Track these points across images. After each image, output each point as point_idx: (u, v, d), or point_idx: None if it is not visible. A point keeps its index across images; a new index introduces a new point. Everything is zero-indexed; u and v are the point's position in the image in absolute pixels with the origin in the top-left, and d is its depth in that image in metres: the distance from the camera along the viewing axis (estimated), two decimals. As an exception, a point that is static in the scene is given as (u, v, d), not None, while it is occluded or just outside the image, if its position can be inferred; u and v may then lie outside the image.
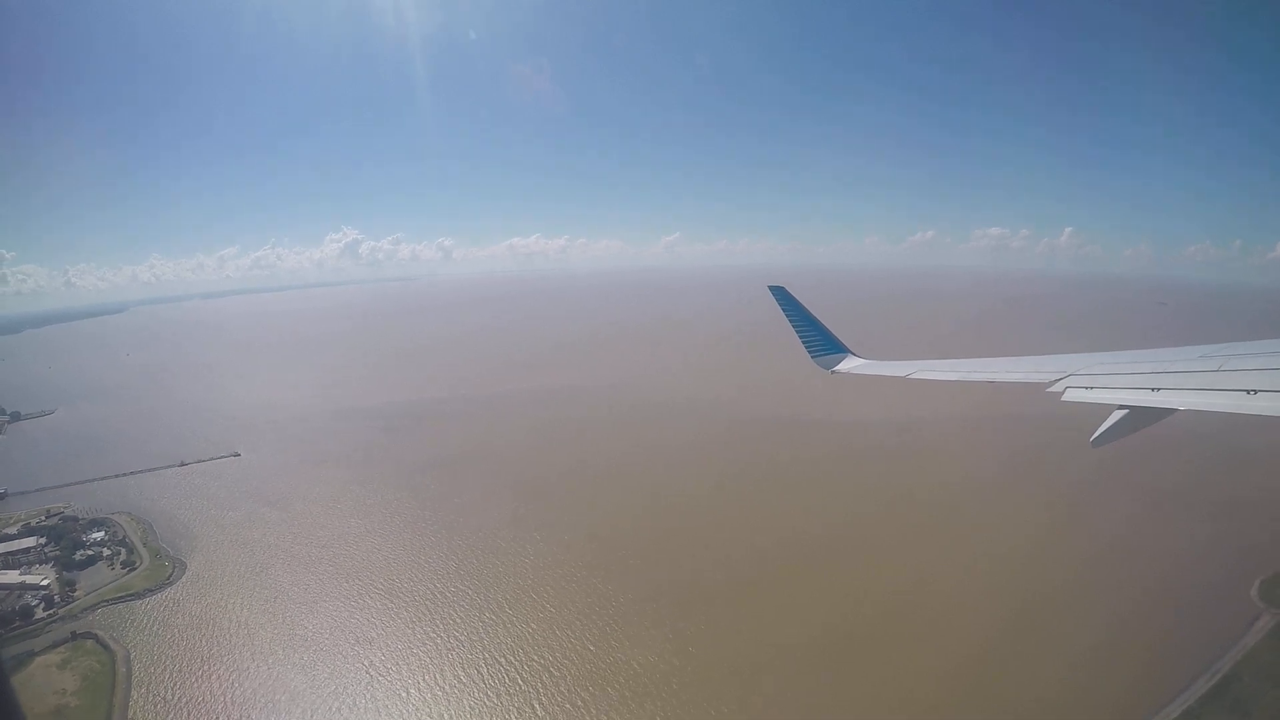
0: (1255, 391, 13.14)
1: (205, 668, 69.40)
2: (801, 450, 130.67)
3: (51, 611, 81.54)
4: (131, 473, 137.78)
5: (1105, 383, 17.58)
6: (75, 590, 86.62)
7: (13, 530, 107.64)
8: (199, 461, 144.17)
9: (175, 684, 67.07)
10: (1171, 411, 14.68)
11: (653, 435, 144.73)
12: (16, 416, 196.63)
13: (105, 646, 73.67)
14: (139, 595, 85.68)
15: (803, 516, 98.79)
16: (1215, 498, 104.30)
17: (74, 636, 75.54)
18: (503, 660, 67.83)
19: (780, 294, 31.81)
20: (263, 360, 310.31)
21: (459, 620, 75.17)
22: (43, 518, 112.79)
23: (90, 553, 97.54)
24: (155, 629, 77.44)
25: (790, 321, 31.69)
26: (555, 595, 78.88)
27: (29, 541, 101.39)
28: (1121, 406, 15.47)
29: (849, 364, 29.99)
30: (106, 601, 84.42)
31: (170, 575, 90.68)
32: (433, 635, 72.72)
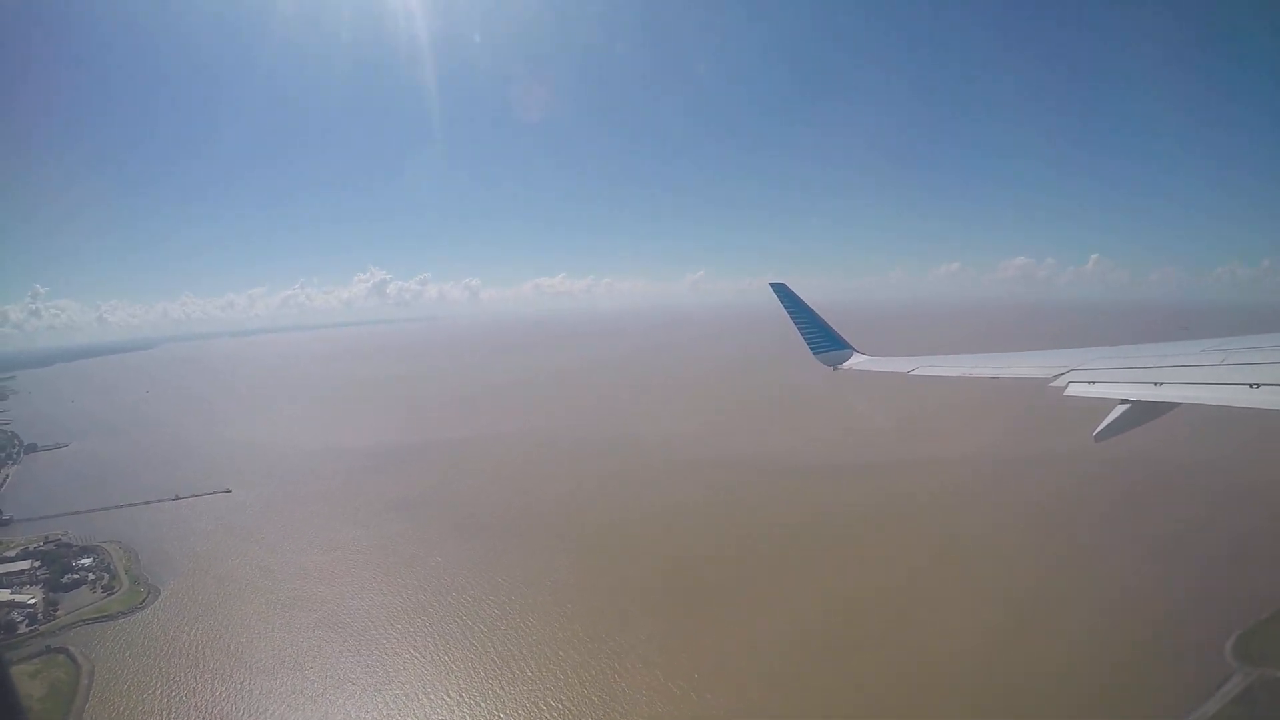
0: (1257, 385, 13.40)
1: (156, 686, 78.13)
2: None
3: (33, 627, 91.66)
4: (128, 505, 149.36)
5: (1107, 377, 17.80)
6: (57, 610, 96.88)
7: (12, 553, 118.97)
8: (192, 496, 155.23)
9: (128, 698, 75.98)
10: (1174, 406, 15.08)
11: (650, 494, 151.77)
12: (32, 448, 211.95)
13: (74, 661, 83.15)
14: (112, 617, 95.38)
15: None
16: (1203, 538, 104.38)
17: (48, 650, 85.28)
18: (423, 696, 75.60)
19: (781, 291, 32.60)
20: (274, 399, 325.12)
21: (396, 653, 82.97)
22: (40, 543, 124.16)
23: (77, 576, 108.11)
24: (120, 648, 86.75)
25: (792, 318, 32.39)
26: (495, 637, 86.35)
27: (24, 564, 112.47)
28: (1124, 401, 15.71)
29: (851, 361, 30.85)
30: (84, 621, 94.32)
31: (144, 600, 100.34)
32: (368, 666, 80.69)
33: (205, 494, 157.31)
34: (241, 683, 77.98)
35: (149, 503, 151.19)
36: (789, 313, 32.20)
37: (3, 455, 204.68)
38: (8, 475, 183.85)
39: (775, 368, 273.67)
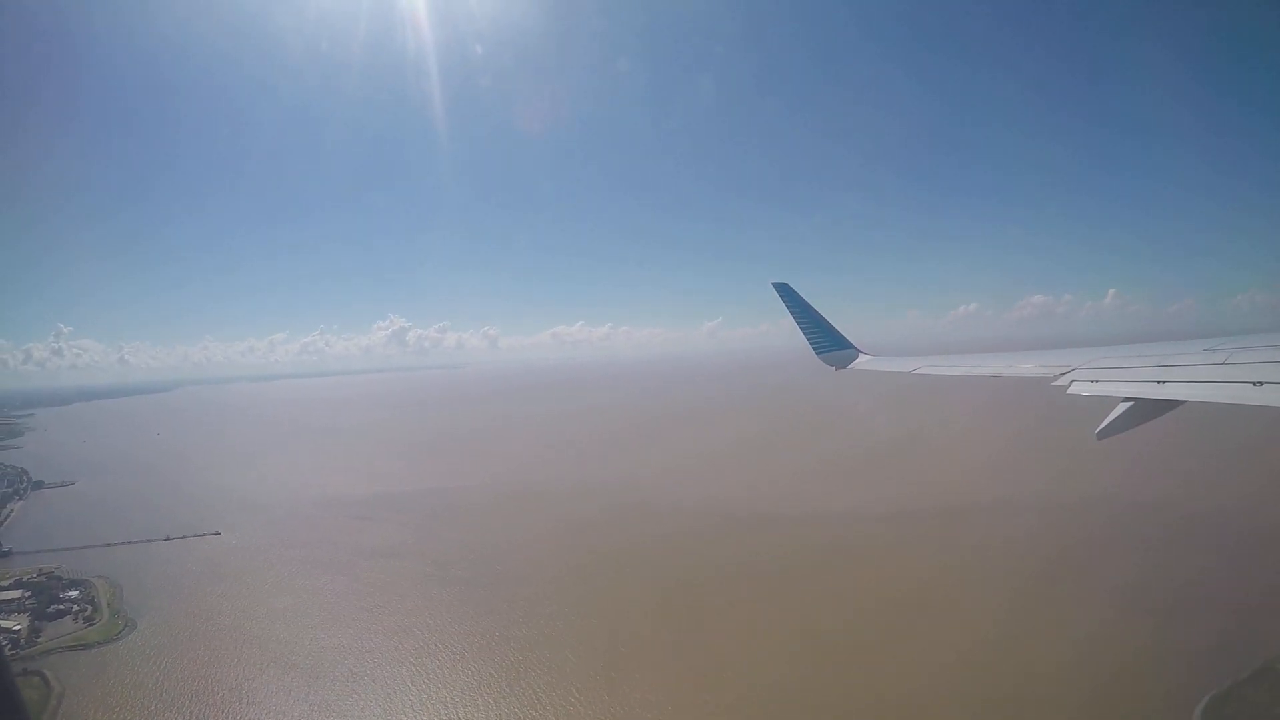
0: (1261, 384, 13.53)
1: (119, 710, 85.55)
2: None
3: (15, 651, 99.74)
4: (121, 543, 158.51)
5: (1110, 376, 18.04)
6: (40, 636, 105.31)
7: (6, 583, 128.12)
8: (183, 537, 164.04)
9: None
10: (1177, 404, 15.24)
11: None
12: (40, 485, 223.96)
13: (48, 684, 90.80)
14: (89, 646, 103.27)
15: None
16: (1183, 590, 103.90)
17: (24, 673, 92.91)
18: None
19: (784, 290, 32.88)
20: (279, 445, 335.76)
21: (341, 693, 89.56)
22: (34, 575, 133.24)
23: (62, 607, 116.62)
24: (92, 675, 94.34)
25: (795, 319, 32.71)
26: (438, 684, 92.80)
27: (15, 593, 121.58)
28: (1127, 399, 15.93)
29: (855, 361, 31.35)
30: (63, 648, 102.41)
31: (120, 632, 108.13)
32: (312, 703, 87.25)
33: (196, 535, 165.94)
34: (194, 712, 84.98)
35: (141, 542, 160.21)
36: (792, 313, 32.58)
37: (10, 490, 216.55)
38: (12, 510, 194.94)
39: (751, 415, 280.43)
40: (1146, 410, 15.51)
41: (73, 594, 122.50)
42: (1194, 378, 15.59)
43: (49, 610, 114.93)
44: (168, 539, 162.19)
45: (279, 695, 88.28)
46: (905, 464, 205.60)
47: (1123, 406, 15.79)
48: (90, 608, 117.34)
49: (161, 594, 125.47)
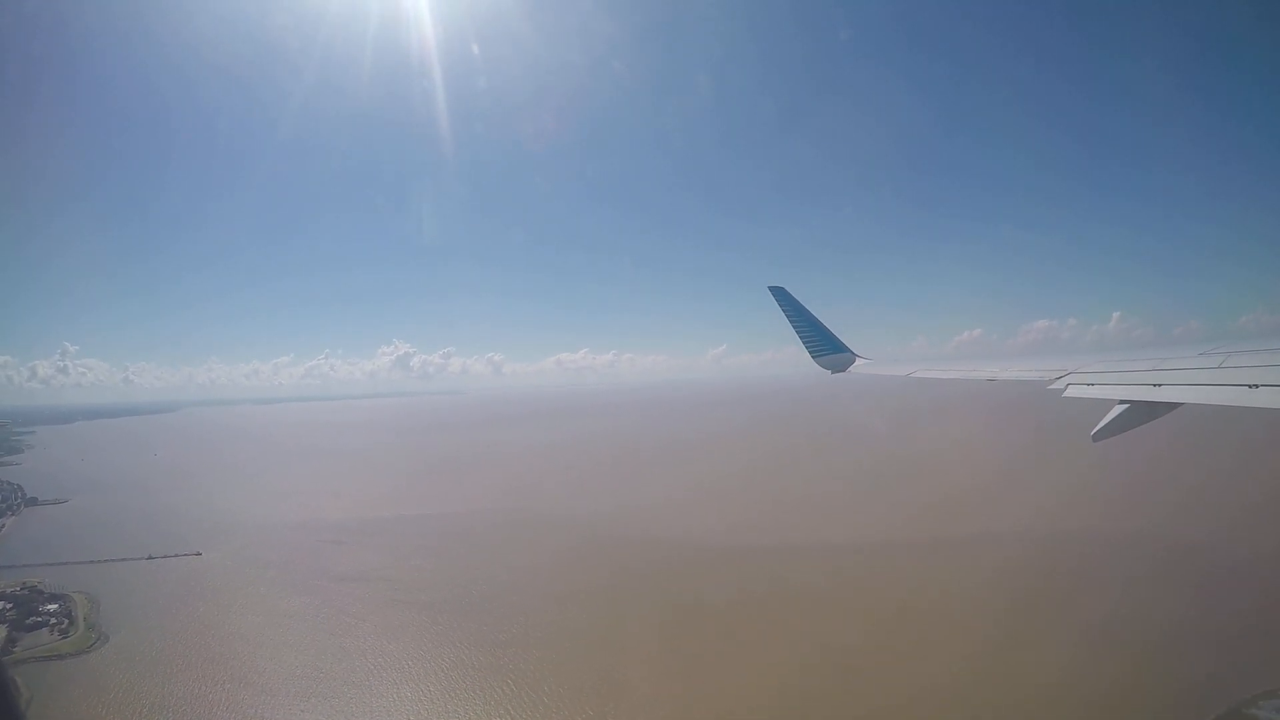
0: (1256, 386, 13.73)
1: (81, 717, 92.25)
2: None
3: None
4: (105, 560, 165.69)
5: (1106, 379, 18.32)
6: (15, 647, 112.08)
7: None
8: (165, 556, 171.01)
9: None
10: (1173, 407, 15.56)
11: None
12: (33, 501, 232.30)
13: (16, 690, 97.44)
14: (61, 657, 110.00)
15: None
16: (1159, 627, 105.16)
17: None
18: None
19: (780, 294, 33.04)
20: (271, 467, 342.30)
21: (289, 712, 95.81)
22: (18, 588, 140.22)
23: (40, 619, 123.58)
24: (60, 684, 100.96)
25: (791, 323, 32.95)
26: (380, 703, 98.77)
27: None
28: (1123, 401, 16.23)
29: (851, 365, 31.71)
30: (36, 658, 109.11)
31: (92, 645, 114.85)
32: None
33: (177, 555, 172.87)
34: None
35: (124, 560, 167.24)
36: (788, 317, 32.85)
37: (3, 506, 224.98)
38: (3, 525, 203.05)
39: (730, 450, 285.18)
40: (1142, 413, 15.94)
41: (52, 607, 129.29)
42: (1189, 381, 15.89)
43: (27, 622, 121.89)
44: (150, 558, 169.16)
45: (227, 711, 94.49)
46: (892, 492, 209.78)
47: (1119, 409, 16.22)
48: (67, 621, 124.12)
49: (137, 610, 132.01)
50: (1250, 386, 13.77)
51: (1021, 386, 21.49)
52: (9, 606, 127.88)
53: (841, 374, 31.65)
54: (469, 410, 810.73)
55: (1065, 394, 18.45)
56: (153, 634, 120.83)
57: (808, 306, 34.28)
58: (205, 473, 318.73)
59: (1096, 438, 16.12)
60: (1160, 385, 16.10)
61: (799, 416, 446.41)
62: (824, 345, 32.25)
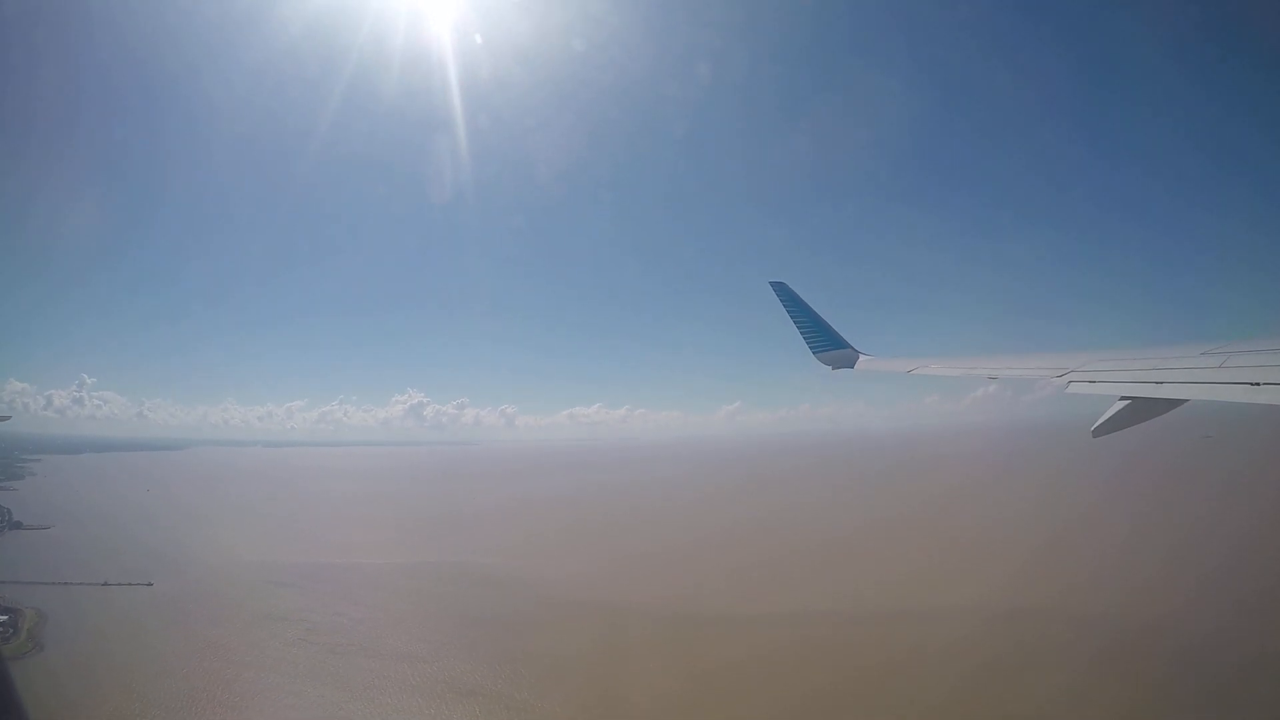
0: (1259, 384, 14.04)
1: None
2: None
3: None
4: (62, 583, 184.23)
5: (1109, 376, 18.81)
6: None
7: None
8: (119, 584, 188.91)
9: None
10: (1176, 404, 16.03)
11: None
12: (18, 525, 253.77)
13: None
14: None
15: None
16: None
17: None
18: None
19: (781, 289, 33.51)
20: (257, 510, 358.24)
21: None
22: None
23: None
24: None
25: (791, 318, 33.33)
26: None
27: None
28: (1124, 398, 16.69)
29: (852, 361, 32.03)
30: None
31: (26, 653, 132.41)
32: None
33: (131, 584, 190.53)
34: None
35: (81, 584, 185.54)
36: (789, 312, 33.39)
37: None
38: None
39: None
40: (1143, 409, 16.21)
41: (3, 618, 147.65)
42: (1191, 378, 16.22)
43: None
44: (105, 584, 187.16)
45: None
46: (863, 560, 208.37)
47: (1120, 405, 16.51)
48: (12, 631, 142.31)
49: (77, 628, 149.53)
50: (1253, 384, 14.15)
51: (1021, 384, 22.48)
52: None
53: (843, 371, 32.41)
54: (477, 463, 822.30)
55: (1068, 390, 18.94)
56: (86, 648, 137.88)
57: (809, 305, 35.44)
58: (187, 510, 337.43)
59: (1097, 433, 16.52)
60: (1162, 383, 16.54)
61: (791, 478, 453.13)
62: (825, 341, 32.88)
